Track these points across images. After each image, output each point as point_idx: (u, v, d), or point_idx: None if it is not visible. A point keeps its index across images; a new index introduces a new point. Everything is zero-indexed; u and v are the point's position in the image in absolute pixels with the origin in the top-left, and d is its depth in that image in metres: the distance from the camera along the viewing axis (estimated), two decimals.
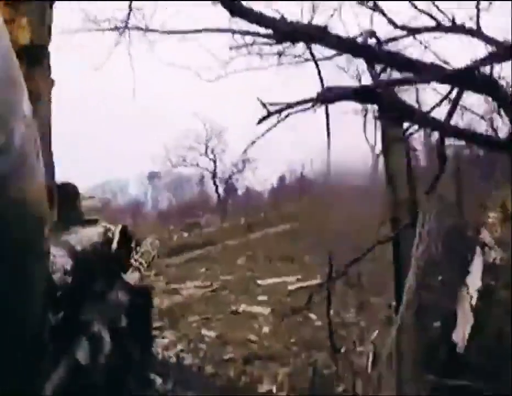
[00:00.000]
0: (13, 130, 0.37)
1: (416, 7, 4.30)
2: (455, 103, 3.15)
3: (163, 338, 7.44)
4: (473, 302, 4.82)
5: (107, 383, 0.87)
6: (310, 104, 3.38)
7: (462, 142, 5.51)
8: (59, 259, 0.75)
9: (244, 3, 3.57)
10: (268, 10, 3.72)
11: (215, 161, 35.34)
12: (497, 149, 3.53)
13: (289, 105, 3.31)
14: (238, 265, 14.14)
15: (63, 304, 0.76)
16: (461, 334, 4.33)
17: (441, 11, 3.68)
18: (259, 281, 11.07)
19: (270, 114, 3.26)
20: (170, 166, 35.47)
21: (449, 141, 3.90)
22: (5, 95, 0.37)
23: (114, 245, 1.07)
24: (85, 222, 1.13)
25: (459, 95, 3.05)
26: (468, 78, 2.90)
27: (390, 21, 4.48)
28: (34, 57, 2.19)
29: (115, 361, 0.90)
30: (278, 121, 3.32)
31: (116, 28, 6.54)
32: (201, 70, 7.10)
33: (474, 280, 5.31)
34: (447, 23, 3.79)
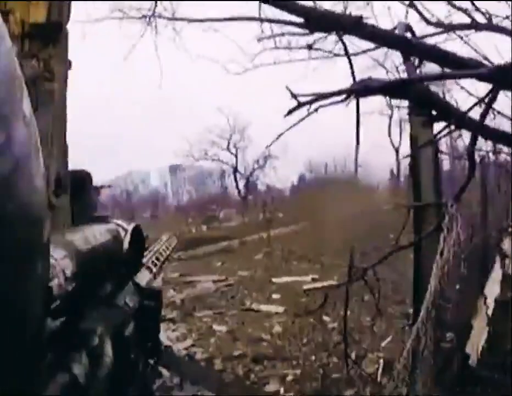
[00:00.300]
0: (13, 130, 0.37)
1: (451, 4, 4.10)
2: (489, 103, 2.95)
3: (173, 331, 7.46)
4: (490, 312, 4.64)
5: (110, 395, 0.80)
6: (342, 97, 3.20)
7: (489, 147, 5.29)
8: (59, 262, 0.67)
9: None
10: None
11: (236, 157, 35.51)
12: None
13: (321, 96, 3.14)
14: (255, 262, 14.11)
15: (63, 311, 0.68)
16: (475, 346, 4.16)
17: (477, 8, 3.47)
18: (274, 279, 11.00)
19: (300, 105, 3.09)
20: (192, 160, 35.86)
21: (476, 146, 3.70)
22: (5, 95, 0.36)
23: (126, 245, 0.98)
24: (95, 218, 1.04)
25: (495, 95, 2.85)
26: (507, 77, 2.70)
27: (423, 18, 4.29)
28: (50, 36, 2.13)
29: (117, 373, 0.82)
30: (309, 114, 3.16)
31: (144, 16, 6.56)
32: (228, 63, 7.05)
33: (492, 291, 5.12)
34: (483, 21, 3.58)
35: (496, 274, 5.63)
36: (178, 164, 40.84)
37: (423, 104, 3.20)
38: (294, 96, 2.89)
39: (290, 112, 2.98)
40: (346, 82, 3.41)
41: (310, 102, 2.97)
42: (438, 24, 4.44)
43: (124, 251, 0.95)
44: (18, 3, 1.97)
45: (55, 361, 0.61)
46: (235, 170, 35.53)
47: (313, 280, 10.52)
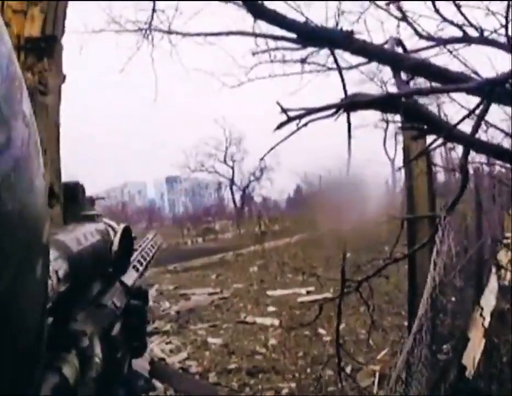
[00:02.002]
0: (13, 130, 0.37)
1: (442, 17, 4.16)
2: (481, 117, 2.99)
3: (168, 344, 7.39)
4: (486, 324, 4.63)
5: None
6: (332, 111, 3.24)
7: (483, 159, 5.34)
8: (52, 263, 0.68)
9: (267, 4, 3.49)
10: (292, 13, 3.64)
11: (233, 169, 35.59)
12: None
13: (310, 111, 3.17)
14: (250, 274, 14.06)
15: (53, 312, 0.68)
16: (471, 357, 4.15)
17: (469, 22, 3.53)
18: (269, 292, 10.95)
19: (289, 120, 3.13)
20: (189, 171, 35.93)
21: (470, 157, 3.73)
22: (5, 95, 0.36)
23: (115, 246, 0.98)
24: (84, 217, 1.03)
25: (486, 109, 2.88)
26: (497, 91, 2.74)
27: (415, 31, 4.35)
28: (44, 49, 2.15)
29: (105, 373, 0.81)
30: (298, 128, 3.19)
31: (140, 29, 6.62)
32: (223, 76, 7.12)
33: (488, 302, 5.13)
34: (475, 34, 3.64)
35: (492, 285, 5.65)
36: (175, 175, 40.93)
37: (413, 118, 3.24)
38: (284, 111, 2.92)
39: (280, 126, 3.01)
40: (339, 95, 3.46)
41: (300, 117, 3.00)
42: (430, 38, 4.52)
43: (113, 252, 0.95)
44: (13, 16, 1.99)
45: (45, 362, 0.61)
46: (231, 182, 35.59)
47: (308, 292, 10.48)
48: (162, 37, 6.33)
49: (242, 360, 6.45)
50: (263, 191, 36.69)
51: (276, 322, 8.31)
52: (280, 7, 3.60)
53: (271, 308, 9.49)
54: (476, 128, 3.17)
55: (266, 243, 18.65)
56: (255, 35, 4.44)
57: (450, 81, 2.98)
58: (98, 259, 0.88)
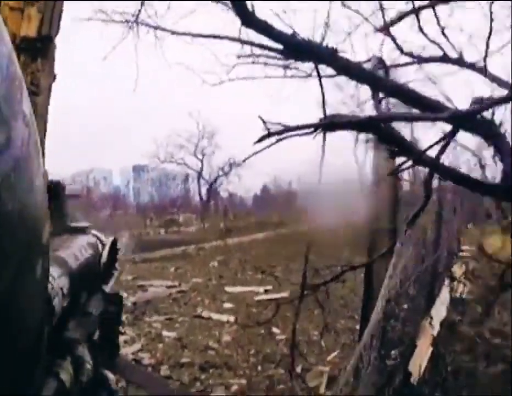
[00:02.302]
0: (13, 130, 0.37)
1: (426, 36, 4.28)
2: (447, 142, 3.14)
3: (122, 335, 7.28)
4: (435, 333, 4.82)
5: None
6: (310, 130, 3.35)
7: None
8: (57, 281, 0.70)
9: (257, 14, 3.50)
10: (280, 23, 3.66)
11: (202, 162, 35.34)
12: (486, 193, 3.53)
13: (290, 129, 3.28)
14: (210, 269, 14.03)
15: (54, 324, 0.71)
16: (417, 365, 4.32)
17: (450, 43, 3.66)
18: (228, 288, 10.97)
19: (269, 134, 3.23)
20: (158, 161, 35.42)
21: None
22: (5, 95, 0.36)
23: (104, 259, 1.02)
24: (74, 229, 1.06)
25: (453, 134, 3.04)
26: (470, 121, 2.91)
27: (397, 46, 4.46)
28: (40, 50, 2.09)
29: (92, 377, 0.85)
30: (277, 141, 3.29)
31: (127, 21, 6.50)
32: (205, 74, 7.10)
33: (439, 312, 5.33)
34: (455, 56, 3.78)
35: (444, 296, 5.87)
36: (143, 164, 40.25)
37: (386, 141, 3.35)
38: (265, 125, 2.99)
39: (260, 140, 3.08)
40: (318, 103, 3.55)
41: (279, 133, 3.08)
42: (411, 55, 4.64)
43: (102, 264, 1.00)
44: (10, 14, 1.92)
45: (44, 367, 0.63)
46: (199, 175, 35.35)
47: (266, 291, 10.57)
48: (148, 31, 6.24)
49: (195, 355, 6.44)
50: (231, 186, 36.67)
51: (232, 319, 8.35)
52: (267, 15, 3.60)
53: (228, 305, 9.52)
54: (441, 153, 3.32)
55: (229, 239, 18.65)
56: (242, 42, 4.43)
57: (424, 107, 3.12)
58: (90, 272, 0.92)
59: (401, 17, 4.42)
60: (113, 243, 1.10)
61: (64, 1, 2.29)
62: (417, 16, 4.52)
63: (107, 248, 1.06)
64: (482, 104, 3.29)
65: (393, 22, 4.00)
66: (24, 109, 0.39)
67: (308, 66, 5.83)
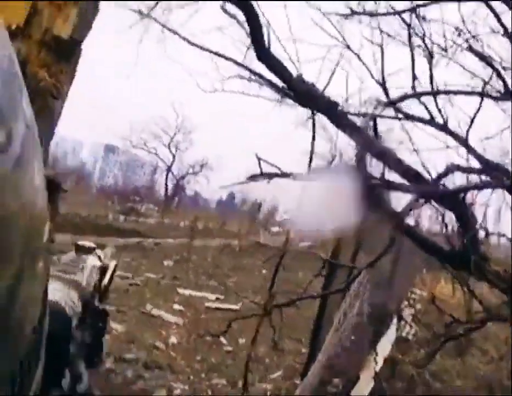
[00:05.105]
0: (13, 130, 0.37)
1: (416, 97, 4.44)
2: (414, 207, 3.41)
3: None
4: (377, 369, 5.03)
5: None
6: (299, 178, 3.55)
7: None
8: (74, 305, 0.77)
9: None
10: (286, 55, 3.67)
11: (174, 156, 34.96)
12: (448, 261, 3.78)
13: (282, 175, 3.47)
14: (165, 267, 13.90)
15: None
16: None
17: (437, 108, 3.85)
18: (179, 290, 10.92)
19: (261, 175, 3.40)
20: (129, 145, 34.74)
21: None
22: (5, 95, 0.37)
23: (106, 282, 1.09)
24: (82, 249, 1.13)
25: (422, 204, 3.32)
26: (438, 197, 3.19)
27: (387, 98, 4.65)
28: (67, 53, 2.01)
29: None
30: (268, 182, 3.50)
31: (140, 12, 6.42)
32: (200, 77, 7.10)
33: (384, 349, 5.56)
34: (440, 121, 3.96)
35: (391, 334, 6.12)
36: (114, 145, 39.36)
37: (370, 201, 3.52)
38: (259, 164, 3.14)
39: (252, 178, 3.23)
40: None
41: (271, 176, 3.24)
42: (399, 110, 4.83)
43: (103, 286, 1.07)
44: (48, 6, 1.82)
45: (51, 377, 0.67)
46: (169, 168, 34.94)
47: (217, 299, 10.61)
48: (163, 30, 6.20)
49: (140, 351, 6.40)
50: (197, 186, 36.46)
51: (181, 321, 8.33)
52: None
53: (177, 306, 9.47)
54: (406, 213, 3.54)
55: (188, 239, 18.50)
56: (250, 71, 4.41)
57: (404, 175, 3.36)
58: (94, 294, 0.99)
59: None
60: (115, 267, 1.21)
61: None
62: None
63: (110, 272, 1.15)
64: (457, 170, 3.56)
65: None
66: (24, 109, 0.39)
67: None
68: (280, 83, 3.56)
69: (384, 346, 5.67)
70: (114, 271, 1.16)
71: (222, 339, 7.40)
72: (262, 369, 6.48)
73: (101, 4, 2.08)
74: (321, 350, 4.59)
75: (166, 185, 35.24)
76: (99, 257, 1.11)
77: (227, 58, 3.78)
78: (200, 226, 24.85)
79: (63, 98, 2.00)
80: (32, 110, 0.42)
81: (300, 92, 3.38)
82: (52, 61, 1.85)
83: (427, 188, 3.08)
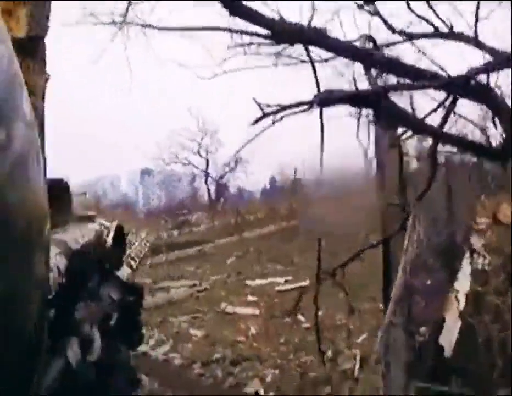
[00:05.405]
0: (13, 129, 0.37)
1: (414, 13, 4.29)
2: (449, 110, 3.14)
3: (150, 337, 7.40)
4: (461, 307, 4.84)
5: (97, 383, 0.86)
6: (305, 107, 3.32)
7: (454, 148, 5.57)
8: (53, 258, 0.74)
9: (243, 2, 3.52)
10: (267, 9, 3.67)
11: (207, 160, 35.31)
12: (489, 158, 3.53)
13: (284, 107, 3.26)
14: (228, 265, 14.12)
15: (54, 303, 0.74)
16: (448, 339, 4.35)
17: (439, 18, 3.66)
18: (248, 282, 11.05)
19: (264, 115, 3.21)
20: (162, 164, 35.43)
21: (440, 147, 3.90)
22: (5, 95, 0.37)
23: (109, 242, 1.05)
24: (80, 218, 1.10)
25: (454, 103, 3.03)
26: (464, 86, 2.89)
27: (388, 26, 4.46)
28: (29, 50, 2.09)
29: (104, 361, 0.88)
30: (273, 123, 3.28)
31: (114, 22, 6.50)
32: (197, 68, 7.08)
33: (463, 285, 5.35)
34: (445, 30, 3.77)
35: (466, 269, 5.89)
36: (149, 168, 40.37)
37: (384, 113, 3.35)
38: (259, 106, 3.00)
39: (256, 122, 3.09)
40: (313, 86, 3.56)
41: (275, 113, 3.09)
42: (402, 32, 4.64)
43: (107, 247, 1.03)
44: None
45: (52, 347, 0.67)
46: (206, 173, 35.32)
47: (286, 281, 10.64)
48: (137, 34, 6.25)
49: (225, 350, 6.54)
50: (238, 182, 36.66)
51: (256, 311, 8.43)
52: (257, 5, 3.62)
53: (250, 298, 9.60)
54: (443, 121, 3.32)
55: (242, 234, 18.70)
56: (230, 31, 4.45)
57: (418, 78, 3.12)
58: (94, 255, 0.96)
59: None
60: (119, 229, 1.14)
61: (52, 3, 2.30)
62: None
63: (111, 232, 1.11)
64: (476, 70, 3.29)
65: None
66: (24, 109, 0.40)
67: (300, 52, 5.84)
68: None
69: (463, 282, 5.45)
70: (121, 235, 1.13)
71: (301, 317, 7.42)
72: (347, 336, 6.43)
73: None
74: (392, 300, 4.46)
75: (208, 189, 35.71)
76: (101, 223, 1.09)
77: (212, 28, 3.77)
78: (251, 218, 25.00)
79: (38, 92, 2.07)
80: (32, 110, 0.43)
81: (285, 31, 3.27)
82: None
83: (459, 79, 2.81)
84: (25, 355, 0.44)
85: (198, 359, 6.20)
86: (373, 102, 3.29)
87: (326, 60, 5.66)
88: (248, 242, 17.58)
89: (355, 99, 3.35)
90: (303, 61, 6.04)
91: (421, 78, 3.10)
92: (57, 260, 0.75)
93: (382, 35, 4.84)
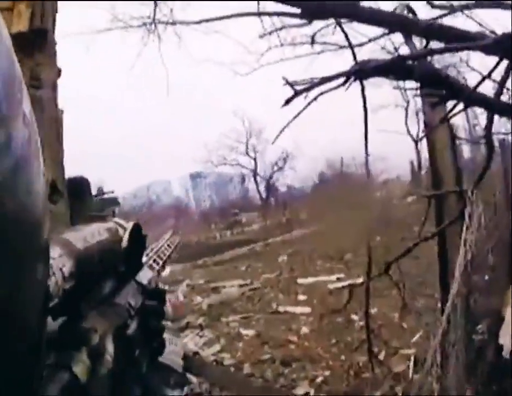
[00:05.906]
0: (13, 130, 0.37)
1: None
2: (504, 78, 2.81)
3: (201, 337, 7.49)
4: None
5: (112, 393, 0.80)
6: (341, 80, 3.09)
7: (509, 132, 5.13)
8: (56, 260, 0.68)
9: None
10: None
11: (255, 160, 35.55)
12: None
13: (318, 82, 3.04)
14: (279, 264, 14.07)
15: (62, 311, 0.68)
16: (508, 336, 4.03)
17: None
18: (299, 280, 10.93)
19: (296, 94, 3.02)
20: (212, 166, 36.12)
21: (494, 129, 3.57)
22: (5, 95, 0.36)
23: (125, 243, 0.98)
24: (93, 217, 1.04)
25: (509, 70, 2.70)
26: None
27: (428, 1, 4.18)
28: (34, 43, 2.12)
29: (121, 371, 0.82)
30: (309, 103, 3.08)
31: (144, 24, 6.64)
32: (234, 65, 7.06)
33: None
34: None
35: None
36: (198, 171, 41.29)
37: (430, 83, 3.08)
38: (290, 85, 2.84)
39: (287, 102, 2.93)
40: None
41: (307, 89, 2.90)
42: (442, 6, 4.33)
43: (123, 249, 0.94)
44: (1, 14, 1.98)
45: (56, 360, 0.62)
46: (255, 173, 35.58)
47: (338, 279, 10.41)
48: (165, 28, 6.32)
49: (276, 350, 6.47)
50: (288, 179, 36.57)
51: (308, 310, 8.29)
52: None
53: (301, 297, 9.47)
54: (499, 91, 2.99)
55: (293, 232, 18.60)
56: (259, 14, 4.38)
57: (465, 41, 2.83)
58: (106, 256, 0.87)
59: None
60: (137, 228, 1.03)
61: (80, 11, 2.32)
62: None
63: (128, 232, 0.99)
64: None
65: None
66: (24, 109, 0.39)
67: (336, 38, 5.62)
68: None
69: None
70: (140, 236, 1.03)
71: (353, 316, 7.21)
72: (401, 335, 6.16)
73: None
74: (450, 297, 4.19)
75: (258, 189, 35.92)
76: (116, 222, 1.00)
77: (241, 14, 3.72)
78: (303, 216, 24.85)
79: (48, 85, 2.07)
80: (31, 110, 0.42)
81: (315, 8, 3.11)
82: (21, 57, 1.96)
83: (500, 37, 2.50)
84: (23, 361, 0.43)
85: (248, 360, 6.16)
86: (415, 70, 3.01)
87: (365, 43, 5.44)
88: (299, 240, 17.47)
89: (395, 67, 3.10)
90: (341, 46, 5.83)
91: (467, 40, 2.80)
92: (60, 262, 0.69)
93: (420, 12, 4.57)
